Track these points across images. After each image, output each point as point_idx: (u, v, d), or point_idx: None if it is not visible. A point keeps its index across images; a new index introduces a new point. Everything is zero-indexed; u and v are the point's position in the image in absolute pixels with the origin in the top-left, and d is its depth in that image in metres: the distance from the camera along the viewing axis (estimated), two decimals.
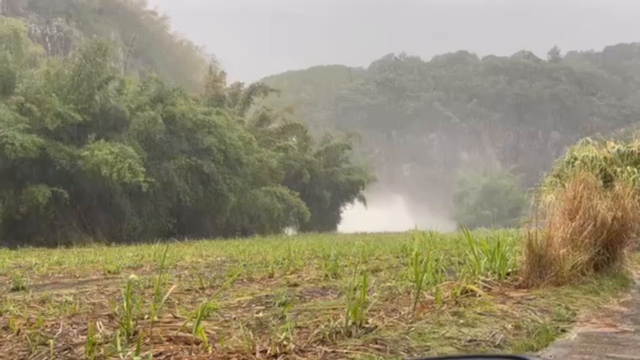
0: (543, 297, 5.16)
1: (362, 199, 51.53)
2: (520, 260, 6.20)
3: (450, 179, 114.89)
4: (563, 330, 4.21)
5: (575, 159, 10.32)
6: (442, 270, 6.04)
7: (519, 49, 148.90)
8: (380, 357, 3.08)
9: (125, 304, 3.50)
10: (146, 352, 2.95)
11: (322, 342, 3.30)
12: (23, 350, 3.18)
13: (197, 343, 3.13)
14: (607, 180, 8.55)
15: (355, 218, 47.48)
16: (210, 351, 3.02)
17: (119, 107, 28.35)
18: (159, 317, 3.58)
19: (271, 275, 7.27)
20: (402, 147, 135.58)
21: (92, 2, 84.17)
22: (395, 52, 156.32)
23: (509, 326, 4.02)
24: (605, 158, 9.39)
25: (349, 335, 3.46)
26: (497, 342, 3.61)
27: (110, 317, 3.99)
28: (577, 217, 6.70)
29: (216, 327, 3.56)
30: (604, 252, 7.00)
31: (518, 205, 77.94)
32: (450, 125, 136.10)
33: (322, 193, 45.97)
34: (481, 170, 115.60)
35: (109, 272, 8.66)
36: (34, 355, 3.09)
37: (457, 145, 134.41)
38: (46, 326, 3.71)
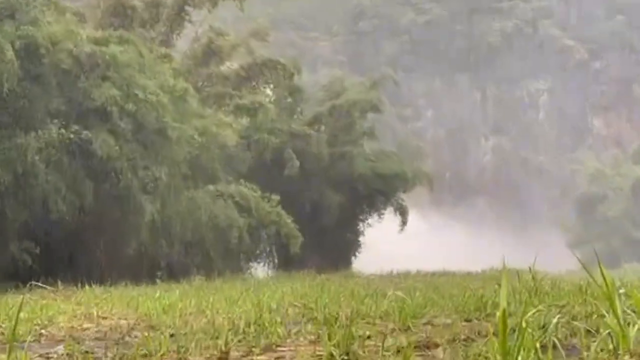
0: None
1: (401, 210, 31.01)
2: None
3: (569, 169, 69.15)
4: None
5: None
6: (553, 346, 4.07)
7: None
8: None
9: None
10: None
11: None
12: None
13: None
14: None
15: (388, 245, 31.01)
16: None
17: None
18: None
19: (224, 356, 4.38)
20: (478, 107, 75.59)
21: None
22: None
23: None
24: None
25: None
26: None
27: None
28: None
29: None
30: None
31: None
32: (579, 63, 71.00)
33: (324, 196, 27.77)
34: (630, 154, 67.01)
35: None
36: None
37: (586, 108, 73.80)
38: None
